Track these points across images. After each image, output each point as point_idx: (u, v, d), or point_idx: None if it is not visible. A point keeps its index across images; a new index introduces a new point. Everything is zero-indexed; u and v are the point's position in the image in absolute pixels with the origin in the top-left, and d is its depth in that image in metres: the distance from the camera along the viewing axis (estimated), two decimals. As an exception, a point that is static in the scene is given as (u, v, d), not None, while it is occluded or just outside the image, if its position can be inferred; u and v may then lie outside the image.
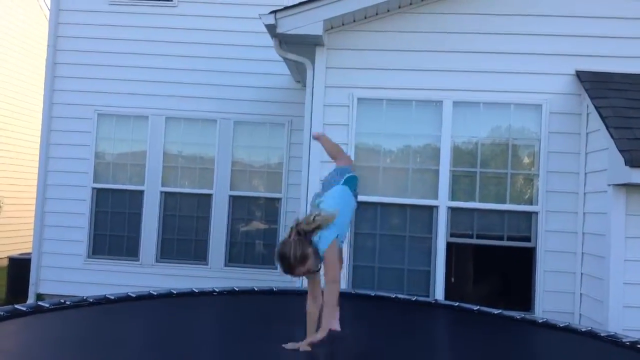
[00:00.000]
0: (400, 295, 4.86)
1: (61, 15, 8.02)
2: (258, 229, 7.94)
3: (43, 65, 8.23)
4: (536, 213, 5.43)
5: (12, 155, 12.23)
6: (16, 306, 3.71)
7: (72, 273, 7.68)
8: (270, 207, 7.89)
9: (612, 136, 4.69)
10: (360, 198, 5.49)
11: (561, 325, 4.01)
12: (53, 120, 7.91)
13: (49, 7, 8.31)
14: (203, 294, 4.66)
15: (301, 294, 4.54)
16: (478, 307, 4.51)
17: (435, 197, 5.49)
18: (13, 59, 12.36)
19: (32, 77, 12.87)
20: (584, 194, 5.31)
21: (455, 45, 5.55)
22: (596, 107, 5.01)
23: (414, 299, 4.79)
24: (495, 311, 4.39)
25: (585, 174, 5.31)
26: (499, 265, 6.35)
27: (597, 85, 5.26)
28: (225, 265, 7.75)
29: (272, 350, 3.12)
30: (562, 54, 5.47)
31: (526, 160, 5.60)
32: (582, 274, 5.27)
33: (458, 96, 5.51)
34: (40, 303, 3.91)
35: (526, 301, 5.46)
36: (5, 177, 12.01)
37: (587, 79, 5.33)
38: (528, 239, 5.45)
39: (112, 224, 7.84)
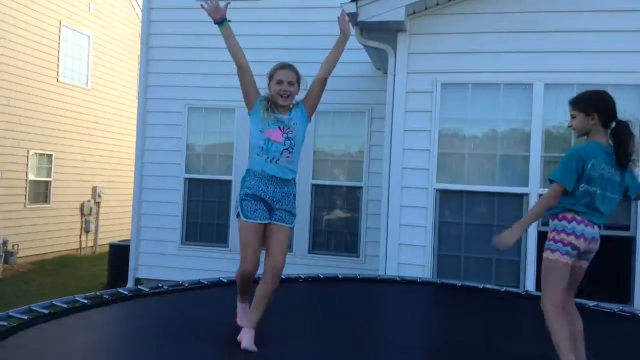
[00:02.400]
0: (487, 286, 4.75)
1: (153, 14, 8.41)
2: (340, 217, 8.01)
3: (137, 63, 8.68)
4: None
5: (111, 148, 13.08)
6: (119, 290, 4.00)
7: (167, 259, 8.11)
8: (352, 196, 7.92)
9: None
10: (445, 186, 5.45)
11: (666, 320, 3.76)
12: (147, 114, 8.34)
13: (141, 6, 8.75)
14: (289, 280, 4.79)
15: (383, 282, 4.55)
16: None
17: (526, 184, 5.28)
18: (110, 57, 13.17)
19: (126, 74, 13.67)
20: (693, 179, 4.90)
21: (546, 25, 5.28)
22: None
23: (502, 289, 4.67)
24: (591, 303, 4.19)
25: (694, 157, 4.91)
26: (595, 255, 6.02)
27: None
28: (309, 252, 7.89)
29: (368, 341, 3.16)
30: (667, 28, 5.06)
31: (625, 144, 5.24)
32: (689, 265, 4.89)
33: (550, 78, 5.25)
34: (140, 287, 4.19)
35: (625, 293, 5.14)
36: (105, 169, 12.89)
37: (696, 55, 4.90)
38: (627, 228, 5.13)
39: (203, 212, 8.18)
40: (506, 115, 5.39)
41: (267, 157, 2.95)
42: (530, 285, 5.17)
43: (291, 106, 3.18)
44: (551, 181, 2.75)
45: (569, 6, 5.25)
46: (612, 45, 5.16)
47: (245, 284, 3.21)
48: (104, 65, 12.99)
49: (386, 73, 6.06)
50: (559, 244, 2.72)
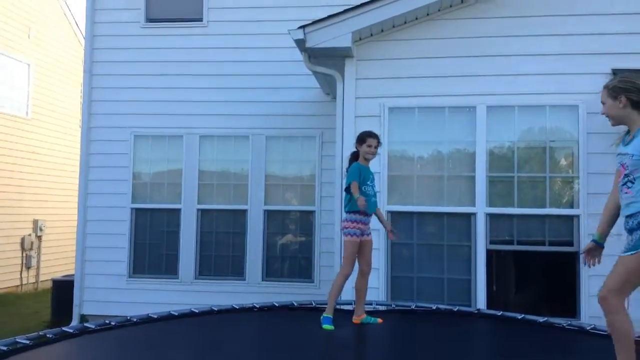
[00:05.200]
0: (441, 306, 4.79)
1: (96, 41, 8.24)
2: (293, 242, 7.96)
3: (79, 91, 8.46)
4: (577, 216, 5.29)
5: (53, 179, 12.58)
6: (63, 328, 3.80)
7: (114, 293, 7.80)
8: (305, 220, 7.90)
9: (654, 134, 4.54)
10: (396, 208, 5.51)
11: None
12: (91, 143, 8.10)
13: (84, 34, 8.56)
14: (243, 310, 4.68)
15: (339, 310, 4.52)
16: (522, 315, 4.41)
17: (473, 204, 5.40)
18: (51, 86, 12.77)
19: (69, 102, 13.27)
20: (628, 194, 5.13)
21: (486, 50, 5.49)
22: (636, 105, 4.87)
23: (455, 309, 4.72)
24: (541, 319, 4.29)
25: (628, 174, 5.15)
26: (541, 271, 6.19)
27: (636, 83, 5.11)
28: (263, 279, 7.77)
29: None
30: (598, 52, 5.34)
31: (564, 162, 5.47)
32: (629, 277, 5.09)
33: (492, 100, 5.44)
34: (86, 324, 4.00)
35: (571, 307, 5.30)
36: (46, 201, 12.36)
37: (625, 77, 5.19)
38: (570, 244, 5.31)
39: (152, 243, 7.96)
40: (452, 137, 5.53)
41: None
42: (481, 303, 5.25)
43: None
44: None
45: (507, 31, 5.48)
46: (548, 68, 5.40)
47: None
48: (45, 93, 12.57)
49: (335, 98, 6.13)
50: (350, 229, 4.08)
